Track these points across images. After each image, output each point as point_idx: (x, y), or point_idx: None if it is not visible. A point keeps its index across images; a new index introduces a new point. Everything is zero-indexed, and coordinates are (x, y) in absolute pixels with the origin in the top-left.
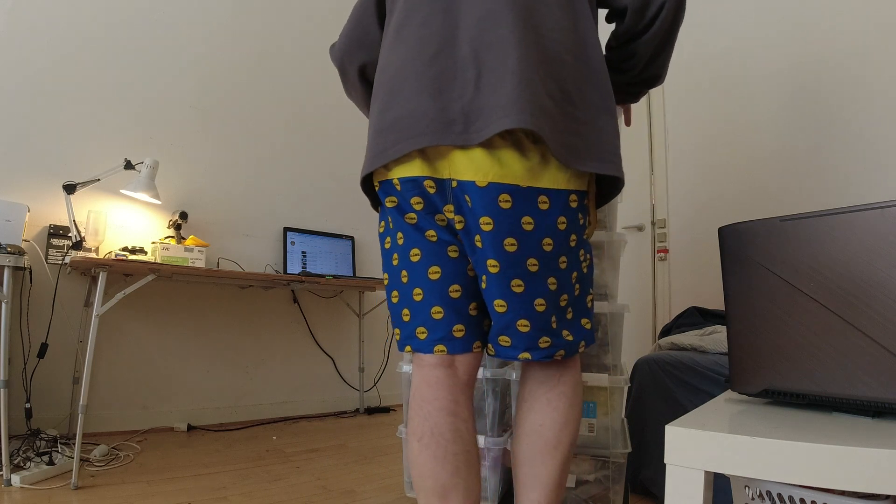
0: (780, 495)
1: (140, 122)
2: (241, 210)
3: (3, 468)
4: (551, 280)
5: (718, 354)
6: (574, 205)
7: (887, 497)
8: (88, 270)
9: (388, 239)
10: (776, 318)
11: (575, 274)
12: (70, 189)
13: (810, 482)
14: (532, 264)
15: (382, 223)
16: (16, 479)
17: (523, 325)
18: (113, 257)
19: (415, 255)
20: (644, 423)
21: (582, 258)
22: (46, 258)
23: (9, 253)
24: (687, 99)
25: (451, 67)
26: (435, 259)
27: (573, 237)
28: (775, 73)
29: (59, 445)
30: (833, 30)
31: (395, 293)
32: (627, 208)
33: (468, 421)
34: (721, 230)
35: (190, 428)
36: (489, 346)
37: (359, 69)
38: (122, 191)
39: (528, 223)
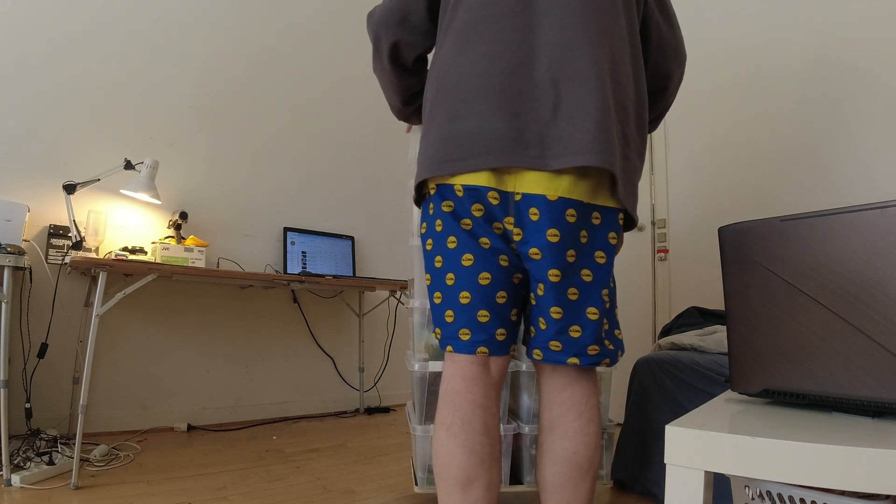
0: (780, 495)
1: (140, 122)
2: (241, 210)
3: (3, 468)
4: (604, 291)
5: (718, 354)
6: (621, 222)
7: (887, 497)
8: (88, 270)
9: (431, 241)
10: (776, 318)
11: (612, 286)
12: (70, 189)
13: (810, 482)
14: (586, 275)
15: (425, 224)
16: (16, 479)
17: (575, 331)
18: (113, 257)
19: (467, 259)
20: (644, 423)
21: (613, 278)
22: (46, 258)
23: (9, 253)
24: (687, 99)
25: (528, 89)
26: (486, 266)
27: (615, 253)
28: (776, 74)
29: (59, 445)
30: (835, 29)
31: (438, 294)
32: None
33: (496, 417)
34: (721, 230)
35: (190, 428)
36: (537, 350)
37: (391, 45)
38: (122, 191)
39: (584, 236)
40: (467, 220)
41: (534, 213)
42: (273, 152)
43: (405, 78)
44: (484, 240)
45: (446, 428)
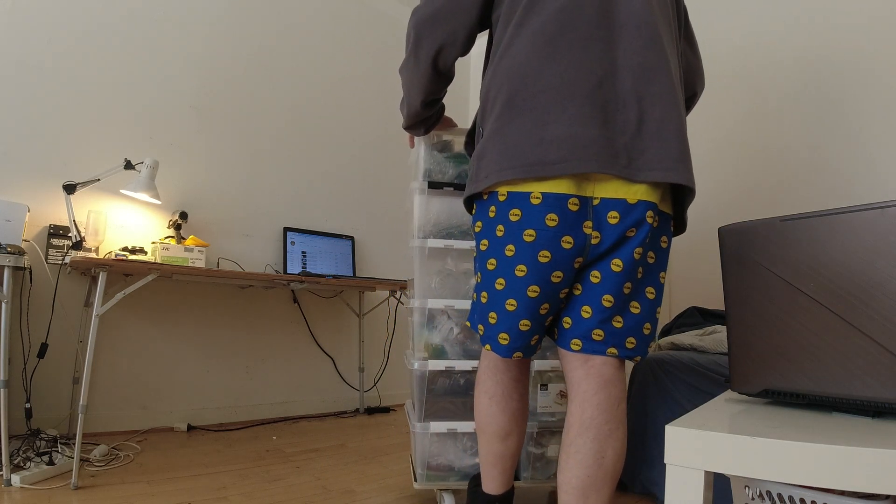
0: (780, 495)
1: (140, 122)
2: (241, 210)
3: (3, 468)
4: (650, 289)
5: (718, 354)
6: (671, 228)
7: (887, 497)
8: (88, 270)
9: (487, 242)
10: (776, 318)
11: (660, 283)
12: (70, 189)
13: (810, 482)
14: (640, 272)
15: (480, 224)
16: (16, 479)
17: (618, 322)
18: (113, 257)
19: (520, 270)
20: (644, 424)
21: (662, 279)
22: (46, 258)
23: (9, 253)
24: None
25: (613, 100)
26: (538, 279)
27: (666, 255)
28: (776, 74)
29: (59, 445)
30: (836, 29)
31: (485, 294)
32: None
33: (527, 387)
34: (721, 230)
35: (190, 428)
36: (576, 340)
37: (437, 47)
38: (122, 191)
39: (648, 237)
40: (532, 232)
41: (613, 217)
42: (273, 152)
43: (438, 82)
44: (544, 253)
45: (490, 396)
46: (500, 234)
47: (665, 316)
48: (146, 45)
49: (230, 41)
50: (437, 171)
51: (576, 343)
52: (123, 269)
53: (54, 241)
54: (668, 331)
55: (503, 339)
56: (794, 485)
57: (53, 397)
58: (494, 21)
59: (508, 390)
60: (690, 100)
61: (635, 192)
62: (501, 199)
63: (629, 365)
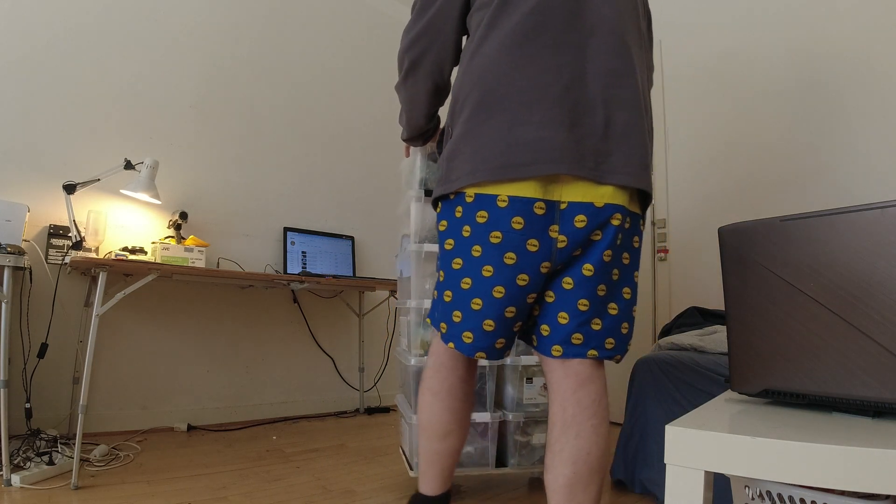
0: (780, 495)
1: (140, 122)
2: (241, 210)
3: (3, 468)
4: (626, 290)
5: (718, 354)
6: (642, 227)
7: (887, 497)
8: (88, 270)
9: (453, 242)
10: (776, 318)
11: (634, 283)
12: (70, 189)
13: (810, 482)
14: (615, 273)
15: (446, 223)
16: (16, 479)
17: (596, 324)
18: (113, 257)
19: (487, 271)
20: (644, 423)
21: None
22: (46, 258)
23: (9, 253)
24: (687, 99)
25: (581, 104)
26: (504, 281)
27: (638, 255)
28: (776, 73)
29: (59, 445)
30: (837, 29)
31: (448, 293)
32: None
33: (473, 388)
34: (721, 230)
35: (190, 428)
36: (556, 347)
37: (433, 64)
38: (122, 191)
39: (619, 239)
40: (498, 234)
41: (580, 220)
42: (273, 152)
43: (438, 95)
44: (510, 255)
45: (434, 393)
46: (466, 234)
47: (665, 316)
48: (146, 46)
49: (230, 41)
50: (433, 179)
51: (556, 349)
52: (123, 269)
53: (54, 241)
54: (668, 331)
55: (467, 337)
56: (794, 485)
57: (53, 397)
58: (469, 24)
59: (454, 389)
60: None
61: (602, 196)
62: (469, 200)
63: (627, 364)
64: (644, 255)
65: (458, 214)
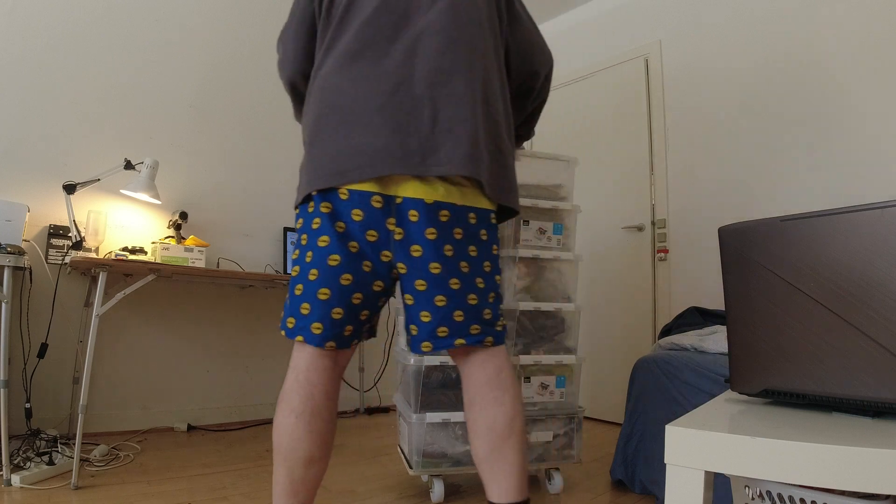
0: (780, 495)
1: (140, 122)
2: (241, 210)
3: (3, 468)
4: (478, 280)
5: (718, 354)
6: (494, 221)
7: (887, 497)
8: (88, 270)
9: (306, 237)
10: (776, 318)
11: (497, 277)
12: (70, 189)
13: (810, 482)
14: (464, 266)
15: (301, 220)
16: (16, 479)
17: (458, 316)
18: (113, 257)
19: (333, 259)
20: (644, 423)
21: (495, 266)
22: (46, 258)
23: (9, 253)
24: (687, 99)
25: (408, 105)
26: (350, 269)
27: (494, 247)
28: (776, 73)
29: (59, 445)
30: (837, 29)
31: (299, 287)
32: (627, 208)
33: (336, 405)
34: (721, 230)
35: (190, 428)
36: (426, 343)
37: (303, 80)
38: (122, 191)
39: (458, 233)
40: (342, 224)
41: (413, 215)
42: (273, 152)
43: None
44: (353, 244)
45: (297, 415)
46: (315, 226)
47: (665, 316)
48: (146, 46)
49: (230, 41)
50: None
51: (426, 345)
52: (123, 269)
53: (54, 241)
54: (668, 331)
55: (316, 328)
56: (794, 485)
57: (53, 397)
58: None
59: (318, 407)
60: (532, 78)
61: (432, 194)
62: (315, 196)
63: (627, 364)
64: (644, 255)
65: (310, 210)
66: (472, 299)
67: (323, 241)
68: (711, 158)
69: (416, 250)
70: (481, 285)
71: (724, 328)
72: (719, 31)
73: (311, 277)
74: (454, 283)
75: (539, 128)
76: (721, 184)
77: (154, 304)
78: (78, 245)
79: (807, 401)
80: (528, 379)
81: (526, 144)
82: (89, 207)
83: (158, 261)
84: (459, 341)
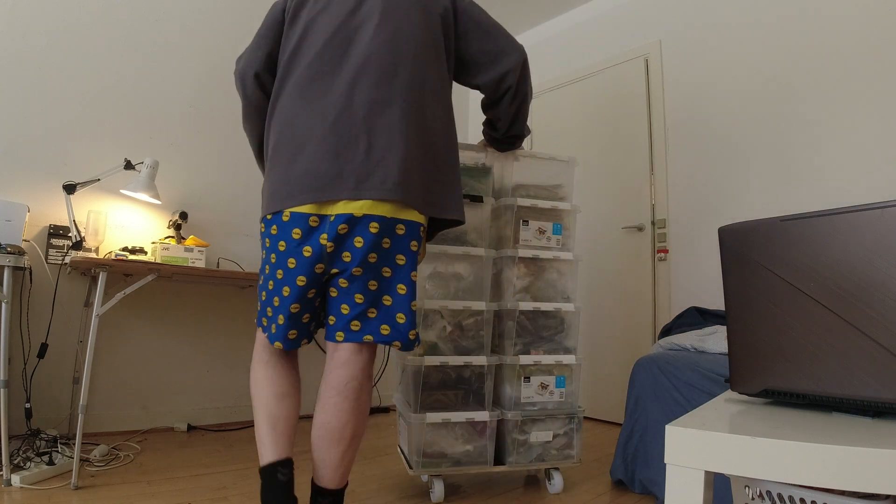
0: (780, 495)
1: (140, 122)
2: (241, 210)
3: (3, 468)
4: (400, 286)
5: (718, 354)
6: (422, 233)
7: (887, 497)
8: (88, 270)
9: (264, 252)
10: (776, 318)
11: (410, 282)
12: (70, 189)
13: (810, 482)
14: (386, 271)
15: (262, 239)
16: (16, 479)
17: (371, 313)
18: (113, 257)
19: (279, 274)
20: (644, 423)
21: (415, 275)
22: (46, 258)
23: (9, 253)
24: (687, 99)
25: (346, 135)
26: (288, 282)
27: (417, 255)
28: (776, 73)
29: (59, 445)
30: (837, 28)
31: (264, 293)
32: (627, 208)
33: (297, 362)
34: (721, 230)
35: (190, 428)
36: (339, 332)
37: (253, 79)
38: (122, 191)
39: (386, 243)
40: (283, 243)
41: (343, 228)
42: None
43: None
44: (291, 261)
45: (265, 363)
46: (268, 244)
47: (665, 316)
48: (146, 46)
49: (230, 41)
50: None
51: (340, 335)
52: (123, 269)
53: (54, 241)
54: (668, 331)
55: (272, 329)
56: (794, 485)
57: (53, 397)
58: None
59: (282, 359)
60: (501, 82)
61: (360, 207)
62: (269, 218)
63: (627, 364)
64: (644, 255)
65: (262, 230)
66: (387, 301)
67: (272, 258)
68: (711, 158)
69: (346, 256)
70: (402, 292)
71: (724, 328)
72: (719, 31)
73: (269, 287)
74: (372, 285)
75: (539, 128)
76: (721, 184)
77: (154, 304)
78: (78, 245)
79: (807, 401)
80: (527, 379)
81: (525, 143)
82: (89, 207)
83: (158, 261)
84: (368, 337)
